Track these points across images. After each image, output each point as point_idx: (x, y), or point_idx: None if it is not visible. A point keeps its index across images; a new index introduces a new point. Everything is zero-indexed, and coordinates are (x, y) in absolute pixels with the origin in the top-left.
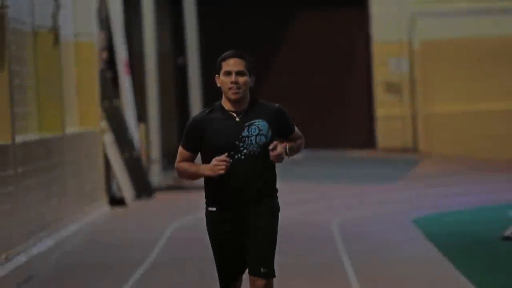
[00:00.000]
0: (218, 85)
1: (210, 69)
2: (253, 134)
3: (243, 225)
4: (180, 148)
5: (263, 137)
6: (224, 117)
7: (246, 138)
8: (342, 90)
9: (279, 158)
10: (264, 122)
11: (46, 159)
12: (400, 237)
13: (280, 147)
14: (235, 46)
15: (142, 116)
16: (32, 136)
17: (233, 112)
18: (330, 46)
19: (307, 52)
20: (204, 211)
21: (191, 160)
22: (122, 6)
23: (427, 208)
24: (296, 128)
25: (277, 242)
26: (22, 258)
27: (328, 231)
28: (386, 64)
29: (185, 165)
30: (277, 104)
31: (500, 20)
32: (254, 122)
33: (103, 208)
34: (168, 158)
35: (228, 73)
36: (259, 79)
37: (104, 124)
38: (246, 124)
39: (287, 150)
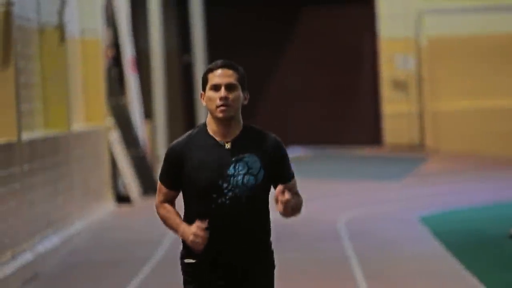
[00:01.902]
0: (204, 103)
1: None
2: (240, 172)
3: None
4: (159, 184)
5: (251, 178)
6: (208, 144)
7: (232, 178)
8: (349, 87)
9: (288, 207)
10: (256, 158)
11: (52, 157)
12: (407, 235)
13: (288, 195)
14: (242, 43)
15: (148, 114)
16: (38, 133)
17: (220, 140)
18: (337, 43)
19: (313, 49)
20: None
21: (173, 198)
22: (128, 3)
23: (434, 205)
24: (295, 178)
25: (284, 239)
26: (28, 256)
27: (335, 229)
28: (393, 61)
29: (164, 213)
30: (273, 135)
31: (507, 17)
32: (244, 157)
33: (109, 205)
34: None
35: (216, 87)
36: (266, 78)
37: (110, 121)
38: (234, 158)
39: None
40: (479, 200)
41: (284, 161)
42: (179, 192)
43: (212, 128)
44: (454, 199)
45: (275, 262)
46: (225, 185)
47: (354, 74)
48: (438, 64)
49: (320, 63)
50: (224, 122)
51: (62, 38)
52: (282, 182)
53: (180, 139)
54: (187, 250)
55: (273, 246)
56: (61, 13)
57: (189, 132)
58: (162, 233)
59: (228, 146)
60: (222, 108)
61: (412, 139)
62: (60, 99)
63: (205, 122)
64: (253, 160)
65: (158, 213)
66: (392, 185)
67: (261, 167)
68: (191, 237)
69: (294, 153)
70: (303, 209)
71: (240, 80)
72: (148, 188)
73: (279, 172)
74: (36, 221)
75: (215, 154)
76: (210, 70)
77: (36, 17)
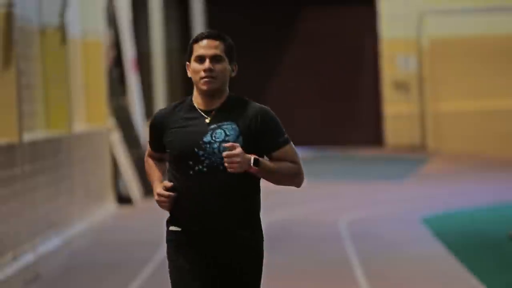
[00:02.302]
0: (189, 75)
1: None
2: (216, 140)
3: (213, 262)
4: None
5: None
6: (190, 115)
7: (208, 145)
8: (350, 88)
9: (235, 163)
10: (235, 126)
11: (54, 158)
12: (408, 236)
13: (240, 151)
14: (243, 44)
15: (149, 114)
16: (39, 134)
17: (203, 110)
18: (338, 44)
19: (315, 50)
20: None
21: (159, 158)
22: (129, 4)
23: (436, 206)
24: (290, 146)
25: (285, 241)
26: (29, 257)
27: (336, 230)
28: (395, 62)
29: (147, 168)
30: (259, 104)
31: (509, 18)
32: (222, 125)
33: (111, 207)
34: None
35: (201, 58)
36: (267, 78)
37: (111, 122)
38: (212, 126)
39: (258, 164)
40: (481, 201)
41: (269, 129)
42: (164, 154)
43: (197, 100)
44: (455, 200)
45: (277, 263)
46: (201, 152)
47: (356, 75)
48: (439, 65)
49: (321, 64)
50: (208, 94)
51: (63, 39)
52: (270, 150)
53: (165, 107)
54: (172, 216)
55: (271, 247)
56: (62, 14)
57: (176, 102)
58: (163, 234)
59: (209, 116)
60: (206, 79)
61: (413, 140)
62: (62, 100)
63: (192, 94)
64: (231, 128)
65: (145, 166)
66: (393, 186)
67: (239, 134)
68: (155, 197)
69: None
70: (304, 210)
71: (227, 51)
72: (149, 189)
73: (265, 140)
74: (37, 222)
75: (194, 123)
76: (195, 41)
77: (38, 18)
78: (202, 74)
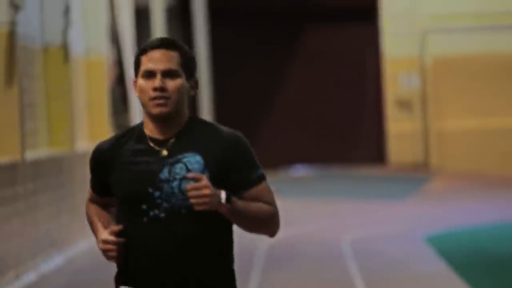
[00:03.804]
0: (136, 95)
1: (219, 84)
2: (176, 177)
3: None
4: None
5: (191, 183)
6: (140, 147)
7: (165, 184)
8: (353, 105)
9: (204, 197)
10: (198, 158)
11: (56, 176)
12: (412, 254)
13: (208, 182)
14: (244, 61)
15: None
16: (41, 153)
17: (157, 140)
18: (341, 62)
19: (317, 68)
20: None
21: (103, 204)
22: (132, 22)
23: (440, 225)
24: (265, 184)
25: (288, 259)
26: (31, 276)
27: (339, 249)
28: (398, 80)
29: (89, 215)
30: (230, 130)
31: None
32: (183, 157)
33: (113, 224)
34: None
35: (150, 74)
36: (268, 95)
37: None
38: (170, 160)
39: (230, 201)
40: (485, 219)
41: (241, 161)
42: (109, 198)
43: (148, 127)
44: (459, 219)
45: (280, 281)
46: (156, 193)
47: (358, 93)
48: (442, 83)
49: (323, 81)
50: (161, 120)
51: (66, 57)
52: (242, 188)
53: (107, 139)
54: (122, 273)
55: (274, 266)
56: (65, 32)
57: (121, 131)
58: None
59: (165, 147)
60: (156, 101)
61: (416, 158)
62: (64, 119)
63: (142, 123)
64: (195, 161)
65: (86, 212)
66: (397, 204)
67: (204, 168)
68: (99, 245)
69: (297, 172)
70: (307, 228)
71: (184, 64)
72: None
73: (235, 176)
74: (40, 241)
75: (147, 156)
76: (143, 51)
77: (40, 36)
78: (152, 94)
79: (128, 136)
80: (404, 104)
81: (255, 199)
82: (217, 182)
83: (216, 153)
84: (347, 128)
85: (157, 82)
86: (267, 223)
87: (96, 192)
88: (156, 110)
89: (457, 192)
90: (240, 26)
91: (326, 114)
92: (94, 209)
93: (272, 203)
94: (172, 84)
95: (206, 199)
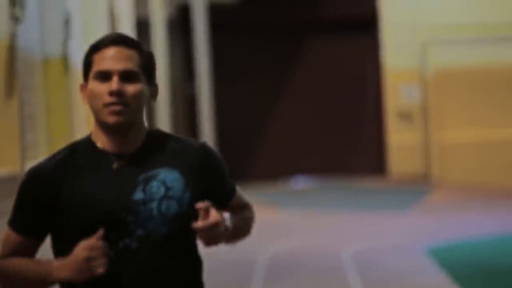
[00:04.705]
0: (84, 102)
1: (220, 96)
2: (154, 197)
3: None
4: (6, 231)
5: (173, 204)
6: (98, 163)
7: (141, 206)
8: (353, 117)
9: (214, 236)
10: (176, 173)
11: None
12: (414, 267)
13: (216, 214)
14: (245, 71)
15: None
16: None
17: (113, 153)
18: (341, 73)
19: (318, 78)
20: None
21: (25, 251)
22: (133, 35)
23: (441, 237)
24: (238, 189)
25: (288, 271)
26: None
27: (340, 261)
28: (398, 92)
29: (12, 265)
30: (198, 140)
31: None
32: (157, 174)
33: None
34: None
35: (105, 75)
36: (269, 107)
37: None
38: (141, 177)
39: (229, 225)
40: (486, 232)
41: (218, 172)
42: (38, 242)
43: (100, 140)
44: (460, 231)
45: None
46: (130, 218)
47: (359, 104)
48: (443, 95)
49: (324, 92)
50: (118, 131)
51: (66, 69)
52: (224, 200)
53: (46, 161)
54: None
55: (274, 278)
56: (65, 44)
57: (59, 151)
58: None
59: (126, 160)
60: (113, 108)
61: (417, 170)
62: (64, 130)
63: (89, 136)
64: (173, 178)
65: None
66: (398, 216)
67: (186, 185)
68: (84, 253)
69: (298, 183)
70: (307, 240)
71: (145, 66)
72: None
73: (215, 190)
74: (39, 253)
75: (109, 176)
76: (96, 48)
77: (40, 48)
78: (107, 99)
79: (74, 153)
80: (404, 116)
81: (234, 207)
82: (198, 197)
83: (191, 166)
84: (347, 139)
85: (114, 85)
86: (250, 227)
87: (23, 233)
88: (112, 119)
89: (458, 204)
90: (241, 38)
91: (327, 125)
92: (15, 260)
93: (247, 202)
94: (131, 89)
95: (217, 237)
